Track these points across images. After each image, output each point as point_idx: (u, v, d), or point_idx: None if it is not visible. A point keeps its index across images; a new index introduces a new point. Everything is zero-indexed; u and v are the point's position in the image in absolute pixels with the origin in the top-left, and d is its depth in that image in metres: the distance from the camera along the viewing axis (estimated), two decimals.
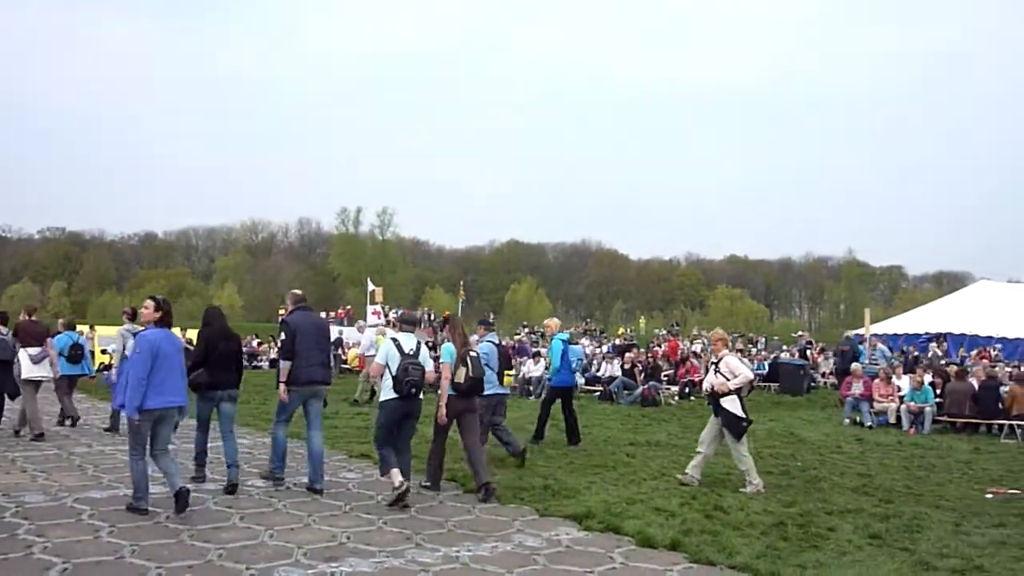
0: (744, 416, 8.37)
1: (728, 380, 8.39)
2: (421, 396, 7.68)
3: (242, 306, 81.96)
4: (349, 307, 49.86)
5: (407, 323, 8.23)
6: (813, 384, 22.70)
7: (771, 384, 22.14)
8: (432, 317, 43.32)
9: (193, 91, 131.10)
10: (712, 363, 9.00)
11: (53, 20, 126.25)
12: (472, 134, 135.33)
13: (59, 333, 12.14)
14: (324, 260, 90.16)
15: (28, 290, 77.68)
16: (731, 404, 8.38)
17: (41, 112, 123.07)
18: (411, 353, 7.51)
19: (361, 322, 18.99)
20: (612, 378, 19.19)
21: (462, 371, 7.86)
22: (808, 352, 25.71)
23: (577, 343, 13.12)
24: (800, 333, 39.59)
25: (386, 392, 7.51)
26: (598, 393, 19.14)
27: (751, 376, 8.61)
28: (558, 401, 11.41)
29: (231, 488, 7.59)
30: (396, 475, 7.29)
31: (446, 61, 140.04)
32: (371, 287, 45.46)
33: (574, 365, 11.41)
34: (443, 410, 7.82)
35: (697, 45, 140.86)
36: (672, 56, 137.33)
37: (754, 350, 32.30)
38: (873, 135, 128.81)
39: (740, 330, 60.42)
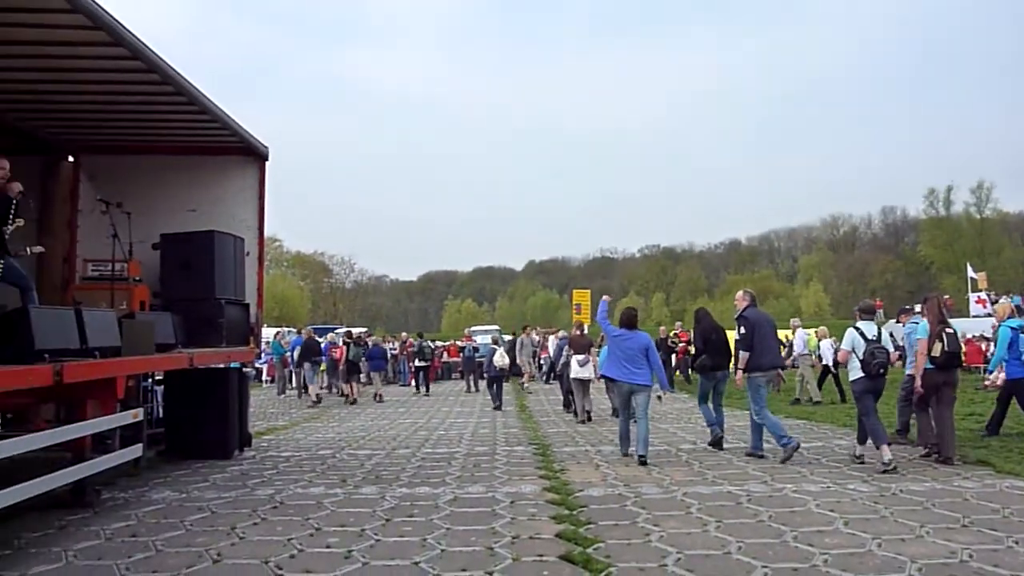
0: None
1: None
2: (887, 374, 8.69)
3: (829, 303, 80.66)
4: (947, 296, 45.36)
5: (866, 312, 9.04)
6: None
7: None
8: None
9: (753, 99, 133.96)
10: None
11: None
12: None
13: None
14: (914, 248, 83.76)
15: (633, 303, 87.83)
16: None
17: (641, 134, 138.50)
18: (874, 339, 8.58)
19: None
20: None
21: (938, 346, 8.67)
22: None
23: None
24: None
25: (854, 373, 8.76)
26: None
27: None
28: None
29: (717, 443, 10.18)
30: (886, 451, 8.28)
31: None
32: (972, 273, 40.81)
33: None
34: (918, 382, 8.93)
35: None
36: None
37: None
38: None
39: None
